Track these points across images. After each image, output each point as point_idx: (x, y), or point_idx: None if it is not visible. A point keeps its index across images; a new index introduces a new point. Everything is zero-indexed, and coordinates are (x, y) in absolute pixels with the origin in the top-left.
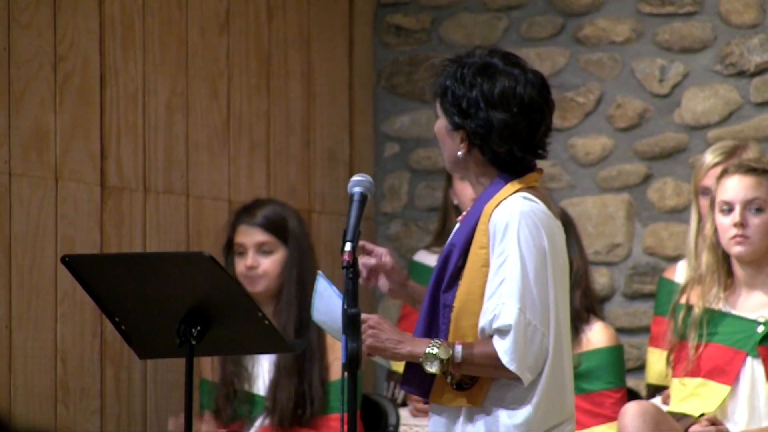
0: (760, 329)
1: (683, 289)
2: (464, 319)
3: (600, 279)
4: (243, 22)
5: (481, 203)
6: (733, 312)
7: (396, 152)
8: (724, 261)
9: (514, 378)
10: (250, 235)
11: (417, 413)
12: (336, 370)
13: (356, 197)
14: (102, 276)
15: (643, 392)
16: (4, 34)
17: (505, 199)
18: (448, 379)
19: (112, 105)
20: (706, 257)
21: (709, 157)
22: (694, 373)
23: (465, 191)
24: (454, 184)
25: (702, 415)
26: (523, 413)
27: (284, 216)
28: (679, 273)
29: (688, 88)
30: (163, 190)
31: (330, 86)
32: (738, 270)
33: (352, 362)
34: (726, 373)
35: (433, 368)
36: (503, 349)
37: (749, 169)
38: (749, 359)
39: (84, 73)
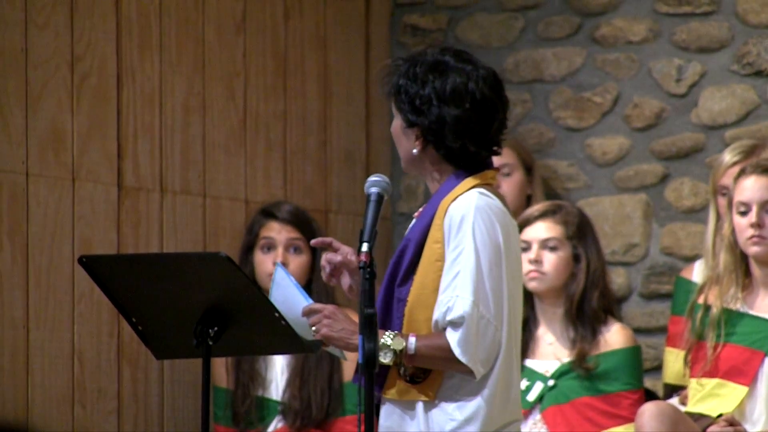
0: None
1: (701, 289)
2: (418, 313)
3: (617, 279)
4: (259, 22)
5: (437, 199)
6: (751, 312)
7: None
8: (742, 261)
9: (466, 371)
10: (281, 231)
11: None
12: (350, 371)
13: (373, 197)
14: (119, 276)
15: (661, 392)
16: (22, 35)
17: (461, 194)
18: (401, 371)
19: (128, 105)
20: (724, 257)
21: (728, 157)
22: (711, 374)
23: None
24: None
25: (720, 415)
26: (473, 406)
27: (312, 220)
28: (696, 273)
29: (705, 87)
30: (180, 191)
31: (346, 86)
32: (756, 270)
33: (369, 363)
34: (744, 374)
35: (386, 359)
36: (456, 340)
37: (766, 170)
38: (767, 360)
39: (101, 74)
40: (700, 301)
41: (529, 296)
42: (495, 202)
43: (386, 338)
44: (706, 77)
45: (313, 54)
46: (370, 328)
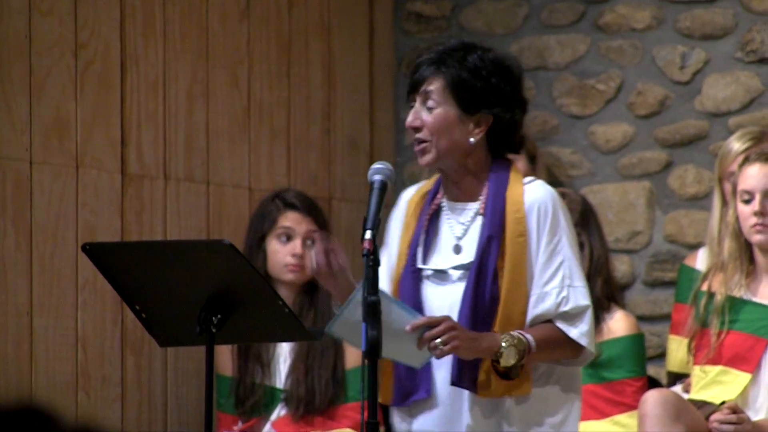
0: None
1: (705, 276)
2: (512, 308)
3: (620, 267)
4: (263, 10)
5: (498, 191)
6: (755, 299)
7: None
8: (746, 248)
9: (574, 357)
10: (302, 223)
11: None
12: (352, 358)
13: (376, 185)
14: (122, 264)
15: (664, 380)
16: (26, 22)
17: (525, 184)
18: (519, 362)
19: (132, 92)
20: (728, 244)
21: (738, 144)
22: (715, 361)
23: None
24: None
25: (723, 402)
26: (569, 390)
27: (322, 210)
28: (700, 260)
29: (709, 75)
30: (184, 178)
31: (350, 73)
32: (759, 257)
33: (372, 350)
34: (747, 361)
35: (512, 359)
36: (581, 331)
37: None
38: None
39: (105, 61)
40: (704, 288)
41: None
42: None
43: (507, 338)
44: (710, 64)
45: (317, 41)
46: (373, 316)
